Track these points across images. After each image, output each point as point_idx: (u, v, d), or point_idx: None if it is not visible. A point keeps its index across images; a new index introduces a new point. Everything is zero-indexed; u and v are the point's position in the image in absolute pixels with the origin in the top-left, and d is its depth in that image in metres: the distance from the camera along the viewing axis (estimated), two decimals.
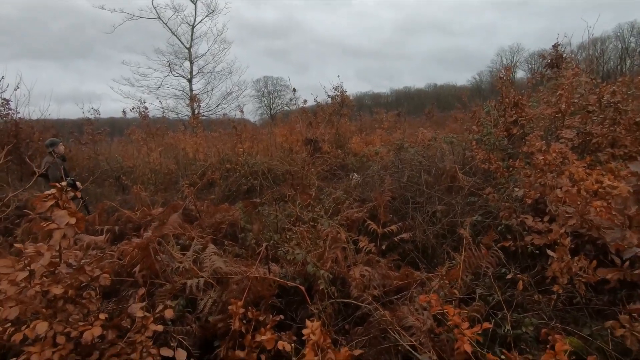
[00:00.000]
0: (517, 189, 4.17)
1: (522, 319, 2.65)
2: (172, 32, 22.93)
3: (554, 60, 10.00)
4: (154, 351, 1.82)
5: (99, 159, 13.67)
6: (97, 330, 1.74)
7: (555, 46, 9.90)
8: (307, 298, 2.58)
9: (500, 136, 6.23)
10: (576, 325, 2.63)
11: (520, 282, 2.72)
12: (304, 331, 2.01)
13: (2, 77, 8.69)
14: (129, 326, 1.91)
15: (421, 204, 5.04)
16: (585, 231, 2.52)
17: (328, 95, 15.63)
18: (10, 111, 10.60)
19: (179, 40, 23.31)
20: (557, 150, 4.71)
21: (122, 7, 22.23)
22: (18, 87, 9.44)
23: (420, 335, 2.00)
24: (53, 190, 1.75)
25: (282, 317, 2.35)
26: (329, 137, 13.26)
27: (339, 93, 15.45)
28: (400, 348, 1.99)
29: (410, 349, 1.92)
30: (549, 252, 2.61)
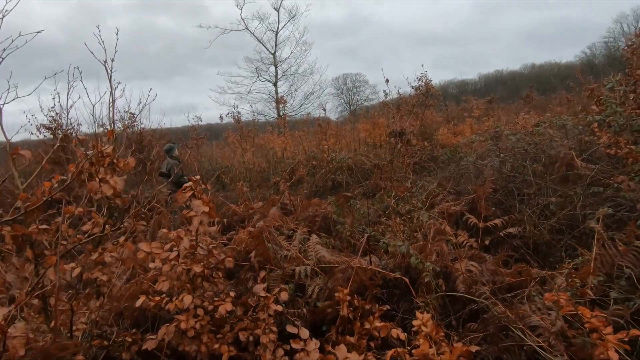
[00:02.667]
0: None
1: None
2: (258, 40, 24.59)
3: None
4: (274, 328, 2.00)
5: (202, 160, 15.46)
6: (228, 306, 1.98)
7: None
8: (412, 290, 2.53)
9: (631, 115, 5.24)
10: None
11: None
12: (414, 322, 1.98)
13: (140, 105, 10.60)
14: (253, 304, 2.13)
15: (530, 196, 4.52)
16: None
17: (412, 87, 15.04)
18: (135, 123, 12.59)
19: (265, 47, 24.88)
20: None
21: (216, 23, 24.54)
22: (140, 103, 11.19)
23: (549, 337, 1.80)
24: (190, 184, 2.04)
25: (388, 307, 2.35)
26: (414, 130, 12.80)
27: (423, 83, 14.75)
28: (525, 348, 1.83)
29: (539, 350, 1.75)
30: None
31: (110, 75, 2.09)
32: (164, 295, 2.00)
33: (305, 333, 1.86)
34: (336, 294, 2.34)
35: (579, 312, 1.83)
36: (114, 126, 2.46)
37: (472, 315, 2.39)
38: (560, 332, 1.85)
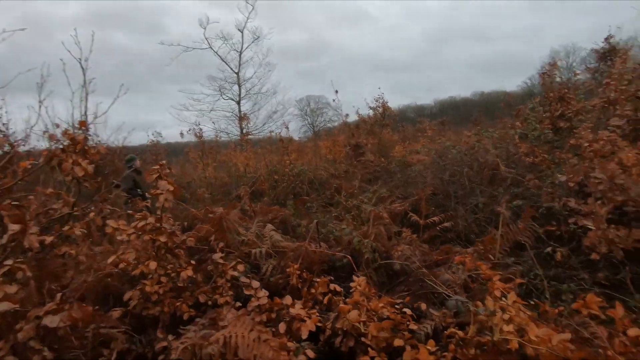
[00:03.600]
0: (559, 175, 4.19)
1: (561, 289, 2.76)
2: (222, 59, 24.93)
3: (607, 53, 9.62)
4: (231, 292, 2.27)
5: None
6: (189, 272, 2.24)
7: (607, 39, 9.54)
8: (354, 266, 2.92)
9: (545, 130, 6.18)
10: (618, 293, 2.67)
11: (559, 254, 2.84)
12: (352, 284, 2.36)
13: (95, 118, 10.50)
14: (212, 272, 2.39)
15: (463, 196, 5.16)
16: (617, 195, 2.61)
17: (370, 107, 15.94)
18: (90, 136, 12.25)
19: (229, 66, 25.25)
20: (604, 138, 4.67)
21: (178, 40, 24.68)
22: (96, 116, 11.01)
23: (456, 287, 2.25)
24: (157, 167, 2.32)
25: (332, 277, 2.71)
26: (372, 147, 13.59)
27: (380, 104, 15.69)
28: (436, 295, 2.26)
29: (446, 295, 2.18)
30: (585, 222, 2.72)
31: (85, 72, 2.36)
32: (133, 261, 2.22)
33: (256, 284, 2.16)
34: (287, 269, 2.67)
35: (478, 267, 2.31)
36: (86, 117, 2.68)
37: (404, 284, 2.82)
38: (464, 283, 2.31)
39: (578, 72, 8.42)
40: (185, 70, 33.59)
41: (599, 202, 2.90)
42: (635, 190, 2.23)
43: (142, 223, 2.20)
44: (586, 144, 4.67)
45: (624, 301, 2.60)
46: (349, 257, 2.91)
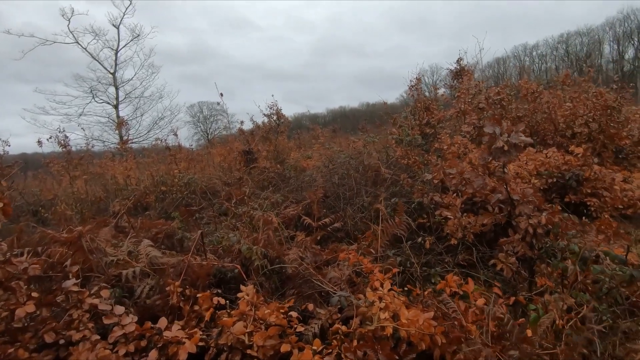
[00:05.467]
0: (427, 174, 4.83)
1: (431, 272, 3.13)
2: (93, 56, 21.80)
3: (458, 72, 11.57)
4: (90, 325, 1.90)
5: (12, 194, 12.36)
6: (29, 308, 1.79)
7: (458, 61, 11.48)
8: (244, 275, 2.79)
9: (416, 135, 7.08)
10: (473, 271, 3.19)
11: (427, 242, 3.22)
12: (239, 294, 2.24)
13: None
14: (63, 303, 1.96)
15: (351, 197, 5.52)
16: (468, 188, 3.11)
17: (264, 114, 15.91)
18: None
19: (102, 65, 22.21)
20: (458, 142, 5.54)
21: (32, 31, 20.65)
22: None
23: (341, 283, 2.33)
24: None
25: (219, 290, 2.53)
26: (268, 154, 13.56)
27: (274, 111, 15.80)
28: (323, 294, 2.30)
29: (332, 292, 2.24)
30: (445, 212, 3.15)
31: None
32: None
33: (120, 309, 1.85)
34: (167, 288, 2.39)
35: (359, 261, 2.44)
36: None
37: (295, 287, 2.81)
38: (349, 279, 2.42)
39: (437, 87, 9.90)
40: (40, 67, 28.07)
41: (455, 195, 3.41)
42: (477, 182, 2.70)
43: None
44: (445, 147, 5.50)
45: (478, 277, 3.11)
46: (238, 267, 2.77)
